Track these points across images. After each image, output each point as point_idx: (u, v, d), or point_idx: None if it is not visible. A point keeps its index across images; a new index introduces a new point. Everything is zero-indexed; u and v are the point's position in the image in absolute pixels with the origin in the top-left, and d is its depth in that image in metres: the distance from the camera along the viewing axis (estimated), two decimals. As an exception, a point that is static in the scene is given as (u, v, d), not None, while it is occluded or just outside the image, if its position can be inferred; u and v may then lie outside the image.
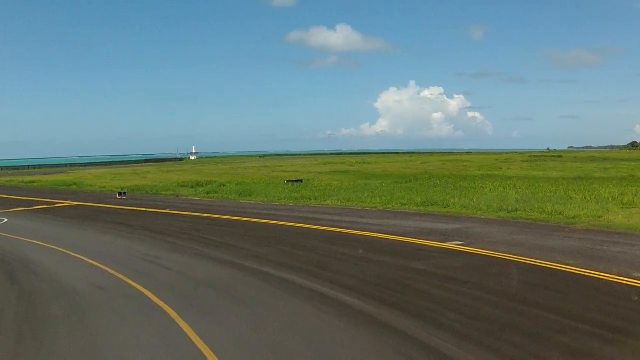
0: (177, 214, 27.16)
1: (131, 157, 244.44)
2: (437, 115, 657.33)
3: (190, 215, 26.70)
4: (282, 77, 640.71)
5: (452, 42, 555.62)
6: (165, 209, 29.23)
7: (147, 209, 29.92)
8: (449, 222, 20.88)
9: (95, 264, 14.96)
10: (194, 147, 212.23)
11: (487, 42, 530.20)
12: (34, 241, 19.25)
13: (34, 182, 60.16)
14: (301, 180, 44.94)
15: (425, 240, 17.20)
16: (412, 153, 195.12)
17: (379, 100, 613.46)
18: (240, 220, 24.11)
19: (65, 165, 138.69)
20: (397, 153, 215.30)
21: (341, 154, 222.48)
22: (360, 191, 34.31)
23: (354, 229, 19.95)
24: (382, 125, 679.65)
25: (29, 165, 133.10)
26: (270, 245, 17.57)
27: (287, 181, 43.78)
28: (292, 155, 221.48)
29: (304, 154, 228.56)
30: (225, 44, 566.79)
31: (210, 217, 25.70)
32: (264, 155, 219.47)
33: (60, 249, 17.39)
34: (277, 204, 31.12)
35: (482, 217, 22.03)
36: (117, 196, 37.49)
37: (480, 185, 36.16)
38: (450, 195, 29.03)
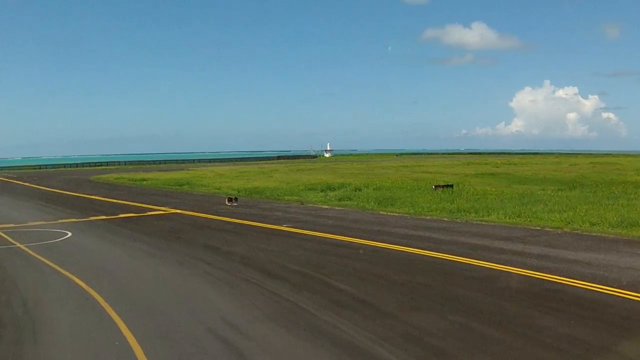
0: (296, 233, 21.42)
1: (265, 154, 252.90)
2: (571, 116, 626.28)
3: (314, 235, 20.80)
4: (417, 75, 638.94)
5: (587, 41, 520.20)
6: (281, 225, 23.63)
7: (257, 224, 24.50)
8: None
9: (131, 341, 9.22)
10: (328, 144, 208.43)
11: (623, 40, 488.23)
12: (74, 278, 14.13)
13: (144, 180, 58.88)
14: (451, 185, 39.29)
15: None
16: (552, 154, 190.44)
17: (514, 100, 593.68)
18: (381, 247, 17.81)
19: (193, 160, 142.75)
20: (536, 153, 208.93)
21: (478, 153, 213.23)
22: (528, 202, 28.48)
23: (554, 273, 13.49)
24: (517, 124, 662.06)
25: (154, 161, 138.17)
26: (434, 307, 11.04)
27: (435, 186, 38.33)
28: (428, 153, 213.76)
29: (441, 153, 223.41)
30: (360, 42, 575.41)
31: (341, 240, 19.58)
32: (401, 154, 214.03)
33: (99, 299, 11.97)
34: (428, 217, 25.40)
35: None
36: (227, 202, 32.91)
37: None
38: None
